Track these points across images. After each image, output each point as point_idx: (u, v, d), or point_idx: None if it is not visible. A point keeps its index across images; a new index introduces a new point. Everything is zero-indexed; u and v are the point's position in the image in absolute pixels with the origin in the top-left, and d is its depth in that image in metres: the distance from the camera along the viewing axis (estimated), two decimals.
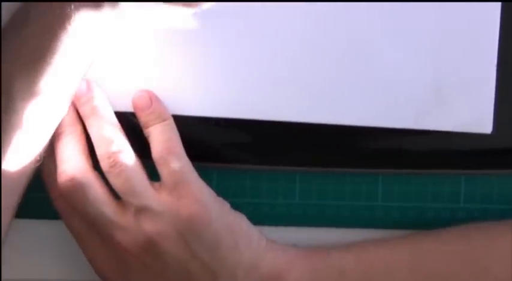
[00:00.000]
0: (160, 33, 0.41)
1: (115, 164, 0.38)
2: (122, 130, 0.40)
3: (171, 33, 0.41)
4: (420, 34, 0.41)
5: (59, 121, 0.38)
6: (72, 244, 0.44)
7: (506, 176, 0.44)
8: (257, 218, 0.44)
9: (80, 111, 0.40)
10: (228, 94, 0.42)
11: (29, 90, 0.35)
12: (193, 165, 0.41)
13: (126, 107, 0.41)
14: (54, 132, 0.38)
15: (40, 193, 0.42)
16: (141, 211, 0.39)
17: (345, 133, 0.42)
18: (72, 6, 0.34)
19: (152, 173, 0.44)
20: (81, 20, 0.35)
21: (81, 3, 0.35)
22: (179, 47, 0.41)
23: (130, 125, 0.41)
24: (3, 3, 0.38)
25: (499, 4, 0.41)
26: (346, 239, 0.44)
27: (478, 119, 0.41)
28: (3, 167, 0.36)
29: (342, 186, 0.44)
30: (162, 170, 0.39)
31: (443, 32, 0.41)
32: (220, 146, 0.43)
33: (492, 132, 0.42)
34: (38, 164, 0.38)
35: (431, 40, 0.41)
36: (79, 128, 0.40)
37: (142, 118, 0.40)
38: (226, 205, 0.41)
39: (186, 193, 0.39)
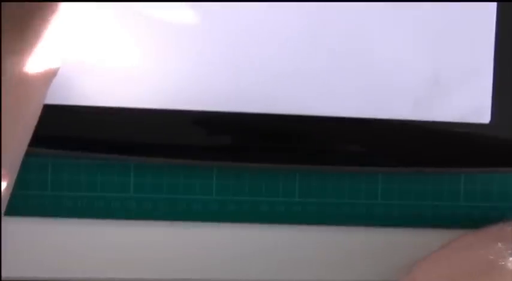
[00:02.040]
0: (158, 28, 0.41)
1: None
2: None
3: (169, 27, 0.41)
4: (418, 25, 0.41)
5: (49, 86, 0.37)
6: (72, 242, 0.44)
7: (506, 173, 0.44)
8: (257, 217, 0.44)
9: None
10: (225, 88, 0.41)
11: (18, 47, 0.34)
12: (193, 164, 0.41)
13: (126, 102, 0.41)
14: None
15: (39, 190, 0.42)
16: None
17: (344, 132, 0.42)
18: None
19: (155, 171, 0.44)
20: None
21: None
22: (176, 41, 0.41)
23: (132, 120, 0.41)
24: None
25: None
26: (345, 237, 0.44)
27: (476, 109, 0.41)
28: None
29: (342, 184, 0.44)
30: None
31: (440, 22, 0.41)
32: (219, 144, 0.43)
33: (490, 122, 0.42)
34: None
35: (429, 31, 0.41)
36: None
37: None
38: None
39: None
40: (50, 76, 0.36)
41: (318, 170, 0.44)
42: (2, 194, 0.35)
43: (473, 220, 0.44)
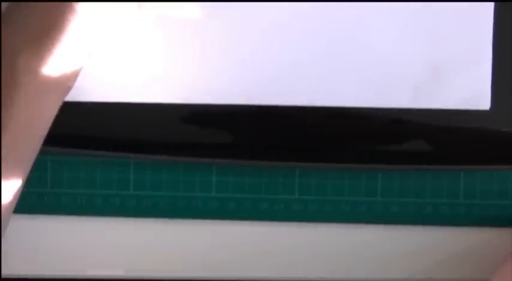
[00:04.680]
0: (160, 22, 0.41)
1: None
2: None
3: (171, 22, 0.41)
4: (417, 12, 0.41)
5: (62, 100, 0.38)
6: (71, 239, 0.44)
7: (505, 171, 0.44)
8: (256, 214, 0.44)
9: None
10: (224, 80, 0.41)
11: (34, 65, 0.35)
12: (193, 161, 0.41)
13: (126, 97, 0.41)
14: None
15: (39, 188, 0.42)
16: None
17: (344, 129, 0.42)
18: None
19: (155, 169, 0.44)
20: (90, 3, 0.35)
21: None
22: (177, 37, 0.41)
23: (131, 117, 0.41)
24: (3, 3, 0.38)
25: None
26: (345, 234, 0.44)
27: (476, 95, 0.41)
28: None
29: (341, 181, 0.44)
30: None
31: (439, 10, 0.41)
32: (220, 142, 0.43)
33: (490, 108, 0.41)
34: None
35: (428, 19, 0.41)
36: None
37: None
38: None
39: None
40: (65, 89, 0.37)
41: (318, 167, 0.44)
42: (12, 199, 0.36)
43: (473, 217, 0.44)
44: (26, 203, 0.43)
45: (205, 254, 0.44)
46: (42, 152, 0.42)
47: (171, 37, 0.41)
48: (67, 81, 0.37)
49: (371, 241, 0.44)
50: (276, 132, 0.42)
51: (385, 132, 0.42)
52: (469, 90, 0.41)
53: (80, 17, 0.35)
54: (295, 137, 0.43)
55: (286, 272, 0.45)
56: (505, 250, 0.44)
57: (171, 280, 0.45)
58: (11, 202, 0.36)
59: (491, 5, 0.41)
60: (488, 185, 0.44)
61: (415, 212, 0.44)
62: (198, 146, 0.42)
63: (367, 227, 0.44)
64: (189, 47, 0.41)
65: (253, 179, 0.44)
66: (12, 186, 0.35)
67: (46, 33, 0.35)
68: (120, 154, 0.43)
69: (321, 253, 0.45)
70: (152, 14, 0.41)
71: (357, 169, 0.44)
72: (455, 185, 0.44)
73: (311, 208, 0.44)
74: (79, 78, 0.41)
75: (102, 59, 0.41)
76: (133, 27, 0.41)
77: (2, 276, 0.43)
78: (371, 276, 0.45)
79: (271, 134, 0.43)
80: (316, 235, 0.44)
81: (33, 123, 0.36)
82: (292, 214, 0.44)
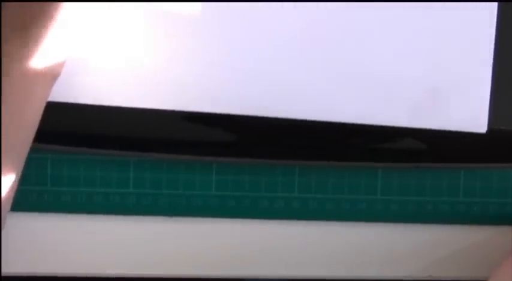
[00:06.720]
0: (161, 28, 0.41)
1: None
2: None
3: (173, 30, 0.41)
4: (416, 32, 0.41)
5: (50, 89, 0.38)
6: (71, 237, 0.44)
7: (505, 169, 0.44)
8: (256, 212, 0.44)
9: None
10: (223, 90, 0.41)
11: (21, 53, 0.35)
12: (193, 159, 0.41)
13: (127, 101, 0.41)
14: None
15: (38, 186, 0.42)
16: None
17: (344, 127, 0.42)
18: None
19: (154, 167, 0.44)
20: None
21: None
22: (178, 42, 0.41)
23: (132, 117, 0.41)
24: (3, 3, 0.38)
25: (495, 4, 0.41)
26: (345, 233, 0.44)
27: (473, 118, 0.41)
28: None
29: (341, 180, 0.44)
30: None
31: (439, 30, 0.41)
32: (220, 140, 0.43)
33: (487, 132, 0.42)
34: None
35: (427, 38, 0.41)
36: None
37: None
38: None
39: None
40: (52, 77, 0.37)
41: (318, 165, 0.44)
42: (7, 192, 0.35)
43: (473, 215, 0.44)
44: (26, 201, 0.43)
45: (205, 252, 0.44)
46: (42, 151, 0.43)
47: (174, 42, 0.41)
48: (54, 69, 0.37)
49: (371, 239, 0.45)
50: (275, 131, 0.42)
51: (385, 131, 0.42)
52: (466, 113, 0.41)
53: (67, 6, 0.35)
54: (295, 135, 0.43)
55: (286, 270, 0.45)
56: (505, 248, 0.44)
57: (171, 278, 0.45)
58: (5, 197, 0.36)
59: (493, 26, 0.41)
60: (488, 183, 0.44)
61: (415, 210, 0.44)
62: (198, 145, 0.42)
63: (367, 225, 0.44)
64: (191, 52, 0.41)
65: (253, 177, 0.44)
66: (5, 180, 0.35)
67: (33, 22, 0.35)
68: (120, 152, 0.43)
69: (321, 251, 0.45)
70: (154, 15, 0.41)
71: (356, 167, 0.44)
72: (455, 183, 0.44)
73: (311, 206, 0.44)
74: (79, 79, 0.41)
75: (105, 62, 0.41)
76: (135, 30, 0.41)
77: (2, 274, 0.43)
78: (371, 274, 0.45)
79: (271, 132, 0.43)
80: (316, 233, 0.44)
81: (23, 111, 0.36)
82: (292, 212, 0.44)
